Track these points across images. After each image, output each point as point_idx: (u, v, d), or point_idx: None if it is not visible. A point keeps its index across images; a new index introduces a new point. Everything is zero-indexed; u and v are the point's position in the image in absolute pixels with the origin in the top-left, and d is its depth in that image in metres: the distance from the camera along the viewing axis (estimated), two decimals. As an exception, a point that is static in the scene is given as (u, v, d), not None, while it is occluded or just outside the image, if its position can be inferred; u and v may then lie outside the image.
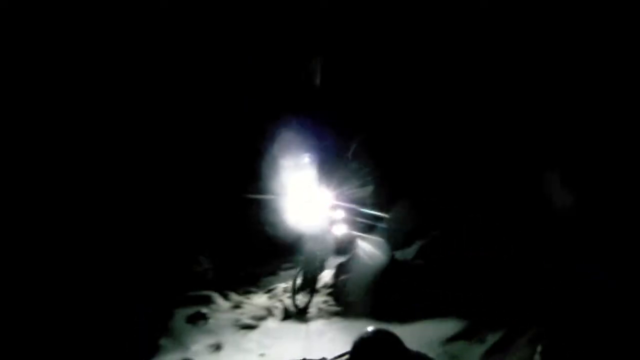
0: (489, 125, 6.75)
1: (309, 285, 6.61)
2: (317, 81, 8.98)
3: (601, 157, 5.32)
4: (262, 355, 5.34)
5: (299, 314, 6.24)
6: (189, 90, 9.07)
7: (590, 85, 5.75)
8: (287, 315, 6.32)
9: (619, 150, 5.27)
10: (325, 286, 6.82)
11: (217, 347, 5.54)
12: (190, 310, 6.11)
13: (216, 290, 6.76)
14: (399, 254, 6.77)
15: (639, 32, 5.44)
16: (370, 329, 1.61)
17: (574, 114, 5.80)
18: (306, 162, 7.75)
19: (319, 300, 6.52)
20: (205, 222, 8.09)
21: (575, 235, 4.84)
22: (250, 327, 6.03)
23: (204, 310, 6.19)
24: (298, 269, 6.82)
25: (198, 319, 6.00)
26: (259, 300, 6.96)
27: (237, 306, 6.58)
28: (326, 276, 7.03)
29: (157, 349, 5.43)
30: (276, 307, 6.56)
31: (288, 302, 6.54)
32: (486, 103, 6.91)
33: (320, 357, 1.93)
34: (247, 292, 7.18)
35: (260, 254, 8.14)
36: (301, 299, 6.45)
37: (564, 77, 6.05)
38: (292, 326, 6.05)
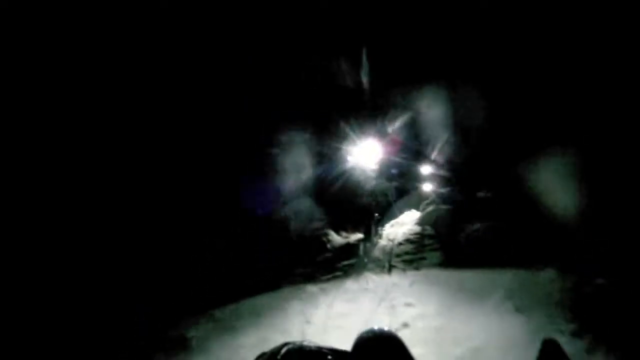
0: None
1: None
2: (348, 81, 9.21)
3: (602, 156, 5.32)
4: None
5: None
6: (189, 90, 9.08)
7: (590, 85, 5.76)
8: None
9: (619, 150, 5.27)
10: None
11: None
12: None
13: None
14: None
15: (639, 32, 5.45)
16: (370, 329, 1.60)
17: (574, 113, 5.80)
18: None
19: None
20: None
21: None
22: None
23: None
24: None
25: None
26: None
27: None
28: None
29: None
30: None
31: None
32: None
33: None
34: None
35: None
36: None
37: (563, 77, 6.06)
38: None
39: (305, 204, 8.34)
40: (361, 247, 7.38)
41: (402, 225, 9.77)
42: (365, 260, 6.77)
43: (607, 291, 4.25)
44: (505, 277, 5.36)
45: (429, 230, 8.66)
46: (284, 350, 1.81)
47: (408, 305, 5.32)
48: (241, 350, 4.67)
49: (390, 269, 6.47)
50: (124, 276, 6.30)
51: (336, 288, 6.32)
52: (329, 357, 1.73)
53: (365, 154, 7.91)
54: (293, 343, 1.84)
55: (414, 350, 1.52)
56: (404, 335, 1.58)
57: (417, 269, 6.71)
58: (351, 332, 1.58)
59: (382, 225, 8.05)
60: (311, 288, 6.42)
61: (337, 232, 8.76)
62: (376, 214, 7.70)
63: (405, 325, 4.77)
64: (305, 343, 1.83)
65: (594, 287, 4.43)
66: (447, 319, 4.70)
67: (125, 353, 5.10)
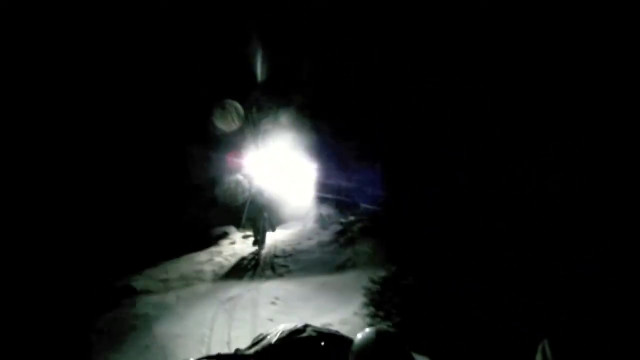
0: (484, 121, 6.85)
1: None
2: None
3: (601, 156, 5.34)
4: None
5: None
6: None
7: (589, 84, 5.77)
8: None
9: (618, 151, 5.29)
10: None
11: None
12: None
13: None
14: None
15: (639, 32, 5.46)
16: (371, 329, 1.60)
17: (574, 114, 5.82)
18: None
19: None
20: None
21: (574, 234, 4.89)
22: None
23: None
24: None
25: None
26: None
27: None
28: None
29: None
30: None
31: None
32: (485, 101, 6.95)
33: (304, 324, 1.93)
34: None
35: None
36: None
37: (562, 76, 6.08)
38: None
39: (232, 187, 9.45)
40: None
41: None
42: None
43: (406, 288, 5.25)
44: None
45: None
46: (279, 334, 1.85)
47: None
48: (170, 284, 6.79)
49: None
50: (78, 241, 7.59)
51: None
52: (322, 343, 1.73)
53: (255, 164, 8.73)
54: (291, 326, 1.88)
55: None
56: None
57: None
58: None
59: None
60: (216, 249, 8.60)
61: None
62: (265, 214, 8.20)
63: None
64: (304, 326, 1.87)
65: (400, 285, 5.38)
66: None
67: (84, 299, 6.25)
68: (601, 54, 5.68)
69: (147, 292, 6.62)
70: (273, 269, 7.46)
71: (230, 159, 9.52)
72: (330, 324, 4.77)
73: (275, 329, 1.91)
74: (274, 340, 1.82)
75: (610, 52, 5.59)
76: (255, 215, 8.29)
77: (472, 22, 6.76)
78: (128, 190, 9.06)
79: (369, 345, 1.49)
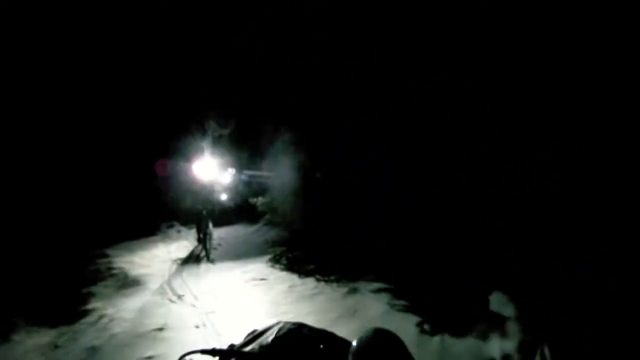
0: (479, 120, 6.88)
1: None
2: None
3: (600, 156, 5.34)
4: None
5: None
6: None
7: (589, 84, 5.77)
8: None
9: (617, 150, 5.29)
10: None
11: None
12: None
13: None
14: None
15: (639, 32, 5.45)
16: (371, 329, 1.60)
17: (574, 113, 5.81)
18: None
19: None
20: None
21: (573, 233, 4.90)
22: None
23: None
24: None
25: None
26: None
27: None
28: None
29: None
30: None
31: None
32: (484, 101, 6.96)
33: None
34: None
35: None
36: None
37: (562, 76, 6.07)
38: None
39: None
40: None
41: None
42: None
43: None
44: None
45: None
46: (277, 328, 1.82)
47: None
48: (135, 252, 9.00)
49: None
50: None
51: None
52: (321, 346, 1.71)
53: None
54: (288, 325, 1.83)
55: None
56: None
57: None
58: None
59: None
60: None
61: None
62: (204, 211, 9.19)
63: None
64: (299, 326, 1.82)
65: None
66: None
67: (65, 263, 7.54)
68: (601, 54, 5.68)
69: (119, 255, 8.72)
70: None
71: (159, 165, 11.05)
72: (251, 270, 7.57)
73: (270, 327, 1.87)
74: (270, 339, 1.80)
75: (610, 52, 5.59)
76: (200, 220, 9.34)
77: (472, 22, 6.75)
78: (103, 186, 11.05)
79: (369, 345, 1.49)
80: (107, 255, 8.59)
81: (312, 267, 7.16)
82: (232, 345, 1.84)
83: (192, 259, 8.66)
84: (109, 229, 9.69)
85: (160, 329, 5.29)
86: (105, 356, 4.81)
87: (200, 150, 9.63)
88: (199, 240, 9.32)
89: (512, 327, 4.01)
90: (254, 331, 1.91)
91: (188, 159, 10.18)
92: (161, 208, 11.36)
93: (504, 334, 3.99)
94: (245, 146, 11.19)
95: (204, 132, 9.57)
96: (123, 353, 4.82)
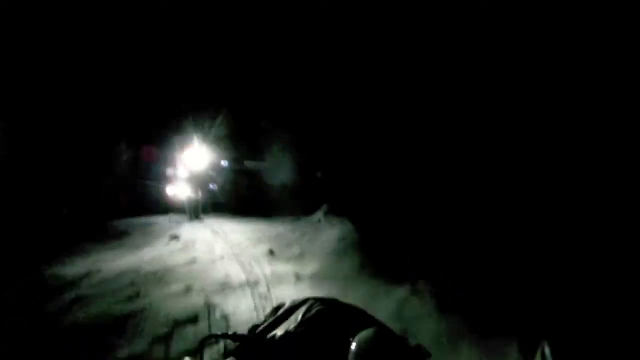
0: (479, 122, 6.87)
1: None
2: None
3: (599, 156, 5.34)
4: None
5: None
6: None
7: (589, 85, 5.76)
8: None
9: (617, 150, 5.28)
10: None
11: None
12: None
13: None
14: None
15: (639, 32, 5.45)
16: (371, 329, 1.58)
17: (574, 113, 5.81)
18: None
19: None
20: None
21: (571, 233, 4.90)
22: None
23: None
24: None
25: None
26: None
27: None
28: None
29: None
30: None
31: None
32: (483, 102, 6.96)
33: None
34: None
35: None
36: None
37: (562, 76, 6.07)
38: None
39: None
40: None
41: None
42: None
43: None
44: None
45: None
46: (305, 308, 1.64)
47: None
48: (139, 224, 10.71)
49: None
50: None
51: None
52: (351, 339, 1.52)
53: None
54: (318, 300, 1.66)
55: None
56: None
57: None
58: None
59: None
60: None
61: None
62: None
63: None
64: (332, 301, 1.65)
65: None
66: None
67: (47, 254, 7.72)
68: (601, 54, 5.68)
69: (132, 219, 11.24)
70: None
71: (147, 151, 12.54)
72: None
73: (298, 306, 1.67)
74: (293, 326, 1.59)
75: (610, 52, 5.58)
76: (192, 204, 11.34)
77: (472, 22, 6.75)
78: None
79: (369, 345, 1.49)
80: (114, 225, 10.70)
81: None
82: (254, 328, 1.68)
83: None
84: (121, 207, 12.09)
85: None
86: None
87: (191, 142, 10.77)
88: (191, 217, 11.50)
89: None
90: (279, 306, 1.73)
91: (178, 149, 11.54)
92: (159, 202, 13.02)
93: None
94: (243, 143, 11.97)
95: (195, 125, 10.69)
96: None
